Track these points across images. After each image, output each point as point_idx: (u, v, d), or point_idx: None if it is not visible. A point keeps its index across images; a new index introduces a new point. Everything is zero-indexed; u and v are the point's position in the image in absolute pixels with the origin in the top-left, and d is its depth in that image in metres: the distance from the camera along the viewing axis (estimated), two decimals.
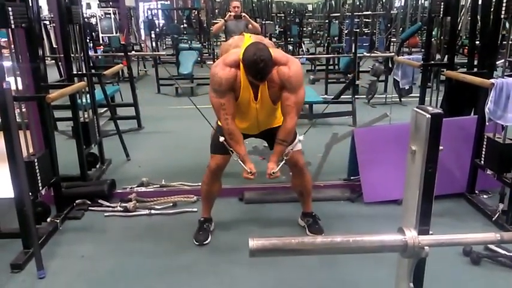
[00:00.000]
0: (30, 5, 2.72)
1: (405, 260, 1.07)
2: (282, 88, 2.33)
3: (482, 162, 2.93)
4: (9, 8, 2.35)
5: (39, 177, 2.60)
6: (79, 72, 3.56)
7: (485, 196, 3.13)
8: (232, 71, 2.28)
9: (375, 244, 1.02)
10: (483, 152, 2.90)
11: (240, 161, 2.42)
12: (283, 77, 2.30)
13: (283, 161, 2.46)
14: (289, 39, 10.71)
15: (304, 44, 11.98)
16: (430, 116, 0.99)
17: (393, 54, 6.85)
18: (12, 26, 2.41)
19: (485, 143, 2.88)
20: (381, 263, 2.18)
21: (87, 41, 8.23)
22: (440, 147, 1.03)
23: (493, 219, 2.76)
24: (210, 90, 2.37)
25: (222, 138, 2.43)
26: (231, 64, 2.29)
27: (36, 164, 2.57)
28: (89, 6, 15.99)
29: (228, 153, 2.57)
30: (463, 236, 1.04)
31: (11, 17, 2.36)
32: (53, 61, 7.87)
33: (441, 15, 3.45)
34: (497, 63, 3.25)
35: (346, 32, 9.35)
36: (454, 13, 3.44)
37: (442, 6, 3.37)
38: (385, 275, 2.24)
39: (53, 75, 6.55)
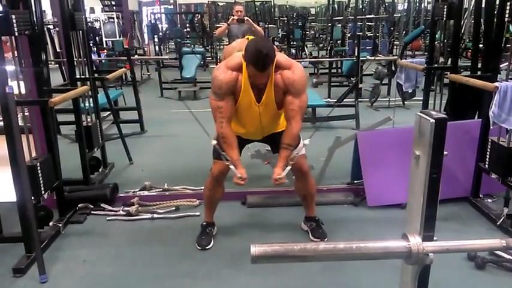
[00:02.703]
0: (34, 10, 2.74)
1: (409, 267, 1.06)
2: (286, 92, 2.32)
3: (486, 166, 2.91)
4: (13, 16, 2.36)
5: (41, 181, 2.60)
6: (82, 77, 3.56)
7: (489, 200, 3.11)
8: (233, 75, 2.28)
9: (378, 250, 1.01)
10: (487, 156, 2.88)
11: (232, 166, 2.39)
12: (287, 81, 2.29)
13: (289, 166, 2.44)
14: (292, 42, 10.71)
15: (307, 47, 11.96)
16: (434, 120, 0.98)
17: (396, 57, 6.84)
18: (16, 34, 2.42)
19: (489, 146, 2.86)
20: (385, 267, 2.17)
21: (91, 45, 8.28)
22: (445, 152, 1.01)
23: (498, 223, 2.74)
24: (211, 93, 2.37)
25: (214, 142, 2.43)
26: (233, 67, 2.28)
27: (38, 168, 2.57)
28: (92, 10, 16.06)
29: None
30: (468, 242, 1.02)
31: (15, 25, 2.37)
32: (57, 65, 7.91)
33: (444, 19, 3.44)
34: (501, 66, 3.23)
35: (349, 35, 9.34)
36: (457, 16, 3.43)
37: (445, 10, 3.36)
38: (388, 280, 2.22)
39: (56, 79, 6.58)
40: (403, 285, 1.12)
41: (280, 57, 2.32)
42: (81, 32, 3.51)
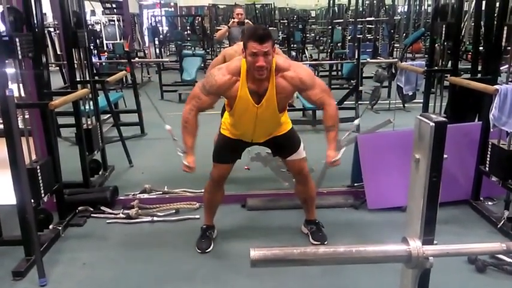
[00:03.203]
0: (34, 12, 2.74)
1: (409, 271, 1.05)
2: (300, 91, 2.35)
3: (486, 168, 2.90)
4: (17, 39, 2.39)
5: (41, 184, 2.60)
6: (82, 79, 3.56)
7: (490, 203, 3.10)
8: (231, 79, 2.27)
9: (378, 254, 1.00)
10: (488, 159, 2.88)
11: (181, 153, 2.41)
12: (294, 81, 2.29)
13: (344, 148, 2.45)
14: (292, 45, 10.71)
15: (307, 50, 11.98)
16: (433, 124, 0.97)
17: (396, 60, 6.84)
18: (20, 57, 2.46)
19: (489, 149, 2.86)
20: (385, 270, 2.15)
21: (91, 48, 8.29)
22: (445, 156, 1.01)
23: (498, 226, 2.73)
24: (200, 83, 2.38)
25: (168, 127, 2.49)
26: (233, 71, 2.27)
27: (38, 171, 2.57)
28: (93, 13, 16.09)
29: (230, 162, 2.56)
30: (468, 246, 1.02)
31: (18, 48, 2.41)
32: (57, 68, 7.93)
33: (443, 38, 3.47)
34: (501, 68, 3.23)
35: (349, 38, 9.35)
36: (457, 19, 3.44)
37: (443, 29, 3.42)
38: (389, 283, 2.21)
39: (57, 81, 6.58)
40: None
41: (279, 59, 2.32)
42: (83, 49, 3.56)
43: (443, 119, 0.98)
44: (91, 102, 3.63)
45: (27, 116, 2.75)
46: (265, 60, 2.15)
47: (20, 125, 2.47)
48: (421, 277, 1.03)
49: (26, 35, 2.57)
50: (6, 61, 2.38)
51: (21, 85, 2.63)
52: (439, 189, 1.00)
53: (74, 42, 3.37)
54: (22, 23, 2.58)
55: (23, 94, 2.66)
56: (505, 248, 1.00)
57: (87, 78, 3.61)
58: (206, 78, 2.34)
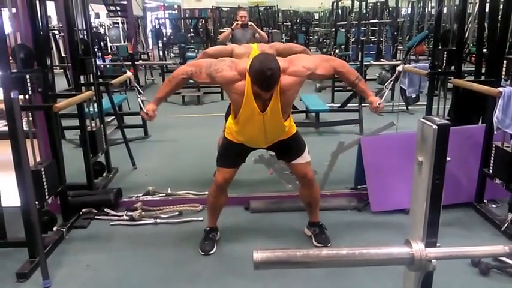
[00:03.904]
0: (39, 15, 2.77)
1: (412, 273, 1.05)
2: (309, 77, 2.37)
3: (490, 171, 2.89)
4: (27, 76, 2.46)
5: (45, 186, 2.61)
6: (86, 82, 3.58)
7: (494, 206, 3.09)
8: (236, 77, 2.27)
9: (381, 257, 1.01)
10: (491, 161, 2.87)
11: (141, 100, 2.59)
12: (300, 73, 2.31)
13: (386, 92, 2.56)
14: None
15: (310, 52, 11.99)
16: (436, 126, 0.97)
17: (400, 62, 6.83)
18: (30, 93, 2.53)
19: (493, 152, 2.85)
20: (389, 272, 2.16)
21: (95, 50, 8.32)
22: (448, 158, 1.01)
23: (502, 229, 2.72)
24: (210, 61, 2.41)
25: (142, 97, 2.63)
26: (240, 71, 2.27)
27: (43, 172, 2.58)
28: (97, 15, 16.15)
29: (235, 166, 2.56)
30: (471, 249, 1.02)
31: (29, 84, 2.48)
32: (62, 70, 7.96)
33: (444, 64, 3.53)
34: None
35: (352, 40, 9.36)
36: (461, 21, 3.44)
37: (445, 56, 3.49)
38: (392, 285, 2.22)
39: (61, 84, 6.61)
40: None
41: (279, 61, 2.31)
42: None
43: (446, 122, 0.98)
44: (95, 105, 3.64)
45: (31, 119, 2.77)
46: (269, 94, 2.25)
47: (25, 127, 2.49)
48: (424, 279, 1.03)
49: (37, 70, 2.66)
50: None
51: None
52: (442, 192, 1.00)
53: (82, 70, 3.46)
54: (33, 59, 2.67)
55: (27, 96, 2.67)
56: (508, 250, 1.00)
57: (91, 81, 3.62)
58: (217, 62, 2.36)
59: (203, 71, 2.35)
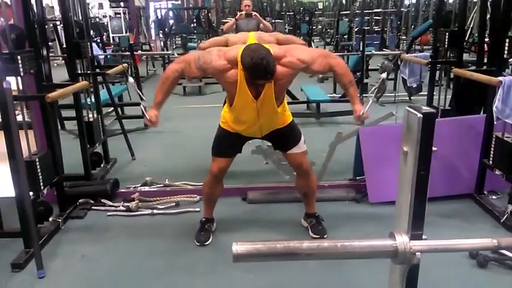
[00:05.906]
0: (34, 6, 2.74)
1: (397, 266, 1.03)
2: (304, 70, 2.33)
3: (490, 162, 2.85)
4: (19, 57, 2.41)
5: (40, 177, 2.60)
6: (83, 72, 3.56)
7: (493, 197, 3.05)
8: (226, 66, 2.24)
9: (364, 249, 0.98)
10: (492, 152, 2.83)
11: (144, 106, 2.48)
12: (295, 65, 2.27)
13: (370, 102, 2.45)
14: (298, 37, 10.65)
15: (313, 42, 11.89)
16: (421, 115, 0.94)
17: (401, 52, 6.76)
18: (22, 74, 2.47)
19: (493, 142, 2.80)
20: (384, 264, 2.13)
21: (97, 41, 8.30)
22: (434, 148, 0.98)
23: (502, 220, 2.69)
24: (197, 53, 2.41)
25: (144, 103, 2.52)
26: (230, 59, 2.24)
27: (37, 163, 2.57)
28: (101, 6, 16.09)
29: (230, 156, 2.54)
30: (458, 242, 0.99)
31: (20, 65, 2.42)
32: (63, 61, 7.94)
33: (446, 46, 3.44)
34: (510, 60, 3.16)
35: (356, 30, 9.26)
36: (462, 10, 3.38)
37: (446, 37, 3.39)
38: (387, 278, 2.19)
39: (64, 74, 6.59)
40: (391, 284, 1.09)
41: (274, 48, 2.28)
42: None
43: (432, 110, 0.95)
44: (93, 95, 3.62)
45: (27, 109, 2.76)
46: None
47: (20, 118, 2.47)
48: (409, 272, 1.01)
49: (28, 51, 2.59)
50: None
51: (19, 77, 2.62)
52: (427, 183, 0.97)
53: (78, 54, 3.41)
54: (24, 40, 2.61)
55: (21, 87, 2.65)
56: (496, 243, 0.97)
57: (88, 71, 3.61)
58: (204, 53, 2.33)
59: (192, 65, 2.32)
